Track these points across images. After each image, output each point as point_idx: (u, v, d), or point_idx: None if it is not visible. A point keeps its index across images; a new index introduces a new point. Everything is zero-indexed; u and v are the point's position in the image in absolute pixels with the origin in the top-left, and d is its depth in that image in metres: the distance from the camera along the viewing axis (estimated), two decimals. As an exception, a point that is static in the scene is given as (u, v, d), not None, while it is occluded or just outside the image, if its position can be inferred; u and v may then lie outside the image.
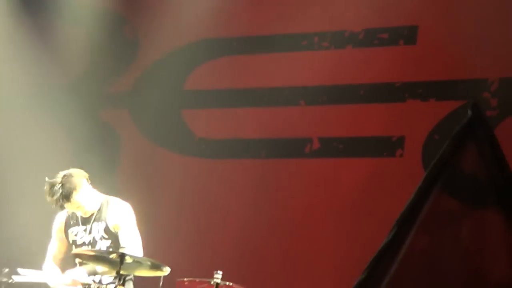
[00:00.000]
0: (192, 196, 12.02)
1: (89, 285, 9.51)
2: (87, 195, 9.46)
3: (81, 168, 12.04)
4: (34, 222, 11.55)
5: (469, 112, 7.32)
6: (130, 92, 13.05)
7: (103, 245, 9.28)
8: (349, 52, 11.78)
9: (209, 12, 12.14)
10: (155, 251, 9.27)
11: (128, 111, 12.98)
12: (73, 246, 9.42)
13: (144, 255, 8.90)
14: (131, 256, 8.54)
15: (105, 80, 13.13)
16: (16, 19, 12.95)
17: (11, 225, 11.75)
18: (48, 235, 10.35)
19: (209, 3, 12.08)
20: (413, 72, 11.39)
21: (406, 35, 11.56)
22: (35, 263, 9.96)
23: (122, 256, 8.44)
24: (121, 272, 8.60)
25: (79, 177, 9.61)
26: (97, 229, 9.37)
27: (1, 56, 12.77)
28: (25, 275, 9.58)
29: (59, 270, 9.24)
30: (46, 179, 9.44)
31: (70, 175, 9.56)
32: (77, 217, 9.48)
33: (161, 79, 12.77)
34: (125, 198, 11.96)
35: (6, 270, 10.55)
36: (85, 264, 9.18)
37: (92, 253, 8.99)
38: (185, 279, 9.36)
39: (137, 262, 8.66)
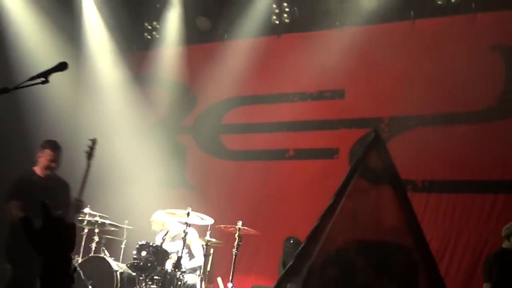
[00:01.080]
0: (226, 180, 12.03)
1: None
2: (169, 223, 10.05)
3: (165, 167, 12.26)
4: (138, 199, 11.64)
5: (372, 135, 7.44)
6: (193, 125, 13.00)
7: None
8: (309, 103, 11.86)
9: (234, 83, 12.27)
10: (206, 210, 9.47)
11: (192, 136, 12.94)
12: None
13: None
14: (193, 213, 8.88)
15: (178, 119, 13.10)
16: (131, 88, 13.16)
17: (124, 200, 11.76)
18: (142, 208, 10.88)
19: (234, 78, 12.23)
20: (343, 113, 11.48)
21: (339, 94, 11.61)
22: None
23: (188, 213, 8.71)
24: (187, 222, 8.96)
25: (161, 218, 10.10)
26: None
27: (121, 108, 12.95)
28: None
29: None
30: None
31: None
32: None
33: (209, 118, 12.74)
34: (189, 179, 12.20)
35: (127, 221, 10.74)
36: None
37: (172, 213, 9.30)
38: (222, 225, 9.46)
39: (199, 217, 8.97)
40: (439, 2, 10.78)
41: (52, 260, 2.33)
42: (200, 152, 12.78)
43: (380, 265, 6.94)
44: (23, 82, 4.06)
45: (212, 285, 10.59)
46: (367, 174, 7.55)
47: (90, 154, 8.07)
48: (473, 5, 10.65)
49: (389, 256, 6.96)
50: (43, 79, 4.12)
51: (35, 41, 12.42)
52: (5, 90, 3.99)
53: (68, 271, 2.35)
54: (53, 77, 4.19)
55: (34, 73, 4.15)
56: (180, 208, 9.29)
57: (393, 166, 7.33)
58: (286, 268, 7.37)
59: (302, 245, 7.45)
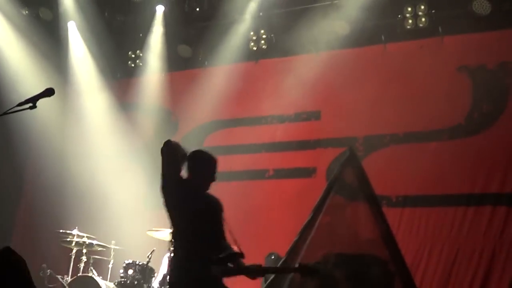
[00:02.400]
0: None
1: None
2: None
3: (150, 189, 12.20)
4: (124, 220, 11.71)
5: (348, 153, 7.48)
6: (175, 148, 12.92)
7: None
8: (287, 125, 11.84)
9: (214, 107, 12.24)
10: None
11: (175, 158, 12.84)
12: None
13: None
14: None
15: (162, 142, 12.93)
16: (116, 114, 13.18)
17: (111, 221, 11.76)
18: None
19: (214, 102, 12.21)
20: (319, 134, 11.50)
21: (315, 115, 11.66)
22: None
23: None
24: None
25: None
26: None
27: (107, 133, 12.94)
28: None
29: None
30: None
31: None
32: None
33: (191, 141, 12.36)
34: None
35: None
36: None
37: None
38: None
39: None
40: (408, 27, 10.90)
41: None
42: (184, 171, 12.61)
43: (358, 277, 6.98)
44: (11, 108, 4.06)
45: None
46: (343, 191, 7.62)
47: None
48: (440, 29, 10.78)
49: (366, 268, 7.01)
50: (30, 104, 4.12)
51: (23, 70, 12.47)
52: (-7, 116, 3.98)
53: None
54: (41, 104, 4.20)
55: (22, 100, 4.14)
56: (162, 227, 9.31)
57: (368, 182, 7.40)
58: (267, 282, 7.35)
59: (282, 259, 7.46)
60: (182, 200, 5.77)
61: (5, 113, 4.08)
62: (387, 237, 6.95)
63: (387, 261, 6.94)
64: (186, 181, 5.98)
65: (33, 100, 4.15)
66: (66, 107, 12.90)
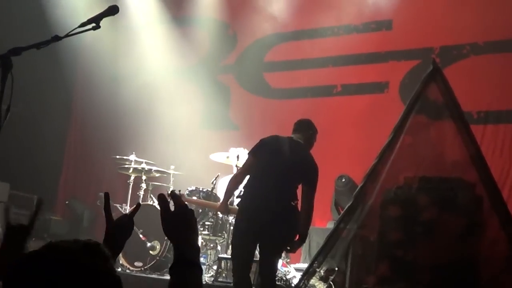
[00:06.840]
0: (271, 119, 11.70)
1: None
2: None
3: (207, 108, 12.21)
4: (182, 143, 11.78)
5: (431, 66, 7.30)
6: (234, 64, 12.88)
7: None
8: (354, 36, 11.59)
9: (275, 18, 12.05)
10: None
11: (233, 75, 12.84)
12: None
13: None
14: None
15: (219, 59, 12.99)
16: (169, 30, 13.08)
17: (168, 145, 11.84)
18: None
19: (275, 13, 12.01)
20: (391, 45, 11.28)
21: (386, 25, 11.41)
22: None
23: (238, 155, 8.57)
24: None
25: None
26: None
27: (161, 50, 12.91)
28: None
29: None
30: None
31: None
32: None
33: (251, 56, 12.58)
34: (233, 119, 12.15)
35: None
36: None
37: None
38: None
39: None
40: None
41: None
42: (243, 91, 12.68)
43: (443, 202, 6.82)
44: (73, 29, 3.92)
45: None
46: (427, 109, 7.41)
47: None
48: None
49: (452, 192, 6.85)
50: (94, 24, 3.96)
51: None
52: (57, 38, 3.85)
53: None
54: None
55: (83, 20, 3.97)
56: (225, 150, 9.32)
57: (455, 98, 7.18)
58: (345, 209, 7.25)
59: (361, 184, 7.33)
60: None
61: (68, 35, 3.95)
62: (477, 158, 6.79)
63: (474, 184, 6.80)
64: None
65: (96, 20, 4.01)
66: (117, 25, 12.71)
